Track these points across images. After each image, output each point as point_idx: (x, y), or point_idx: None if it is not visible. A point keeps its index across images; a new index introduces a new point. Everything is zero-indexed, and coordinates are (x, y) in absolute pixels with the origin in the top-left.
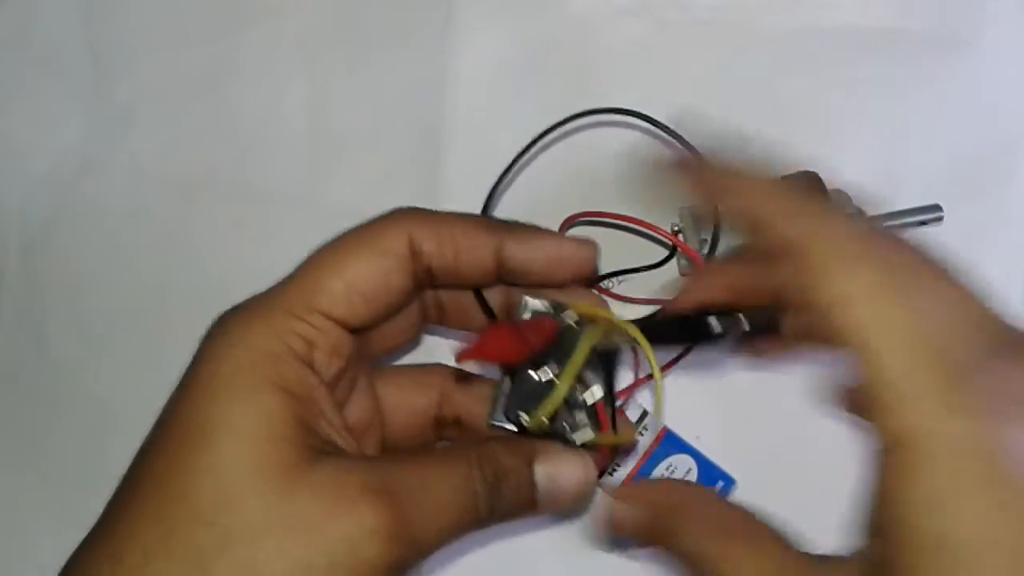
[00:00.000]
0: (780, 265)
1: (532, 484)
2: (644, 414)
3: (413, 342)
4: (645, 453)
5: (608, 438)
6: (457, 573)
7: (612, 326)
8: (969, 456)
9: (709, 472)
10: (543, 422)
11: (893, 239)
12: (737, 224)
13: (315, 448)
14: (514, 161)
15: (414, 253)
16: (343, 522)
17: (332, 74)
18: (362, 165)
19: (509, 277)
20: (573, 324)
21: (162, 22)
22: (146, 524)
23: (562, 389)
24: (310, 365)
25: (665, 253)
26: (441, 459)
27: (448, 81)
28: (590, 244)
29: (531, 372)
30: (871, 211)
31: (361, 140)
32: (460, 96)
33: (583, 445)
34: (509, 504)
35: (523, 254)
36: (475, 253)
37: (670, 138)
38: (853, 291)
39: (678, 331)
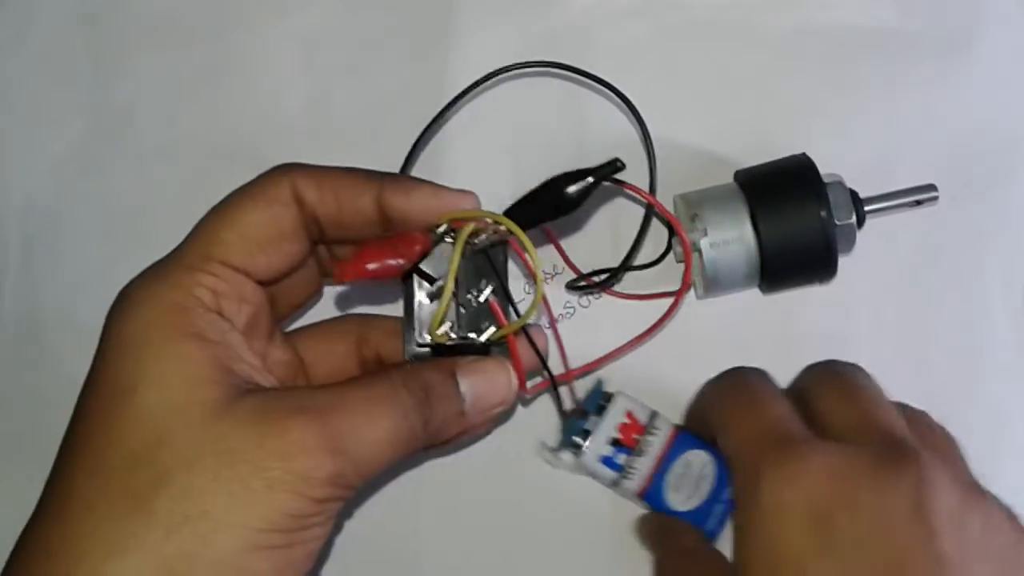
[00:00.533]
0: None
1: (459, 395)
2: (654, 414)
3: (317, 296)
4: (660, 455)
5: (505, 329)
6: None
7: (479, 222)
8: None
9: (725, 470)
10: (448, 334)
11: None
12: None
13: (237, 386)
14: (434, 120)
15: (299, 201)
16: (272, 442)
17: (332, 74)
18: (362, 165)
19: (392, 227)
20: (444, 233)
21: (162, 22)
22: (82, 479)
23: (446, 294)
24: (219, 313)
25: (660, 251)
26: (366, 381)
27: (448, 81)
28: (469, 195)
29: (425, 295)
30: (864, 193)
31: (361, 140)
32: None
33: (491, 341)
34: (440, 417)
35: (401, 202)
36: (356, 201)
37: (605, 90)
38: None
39: (542, 209)
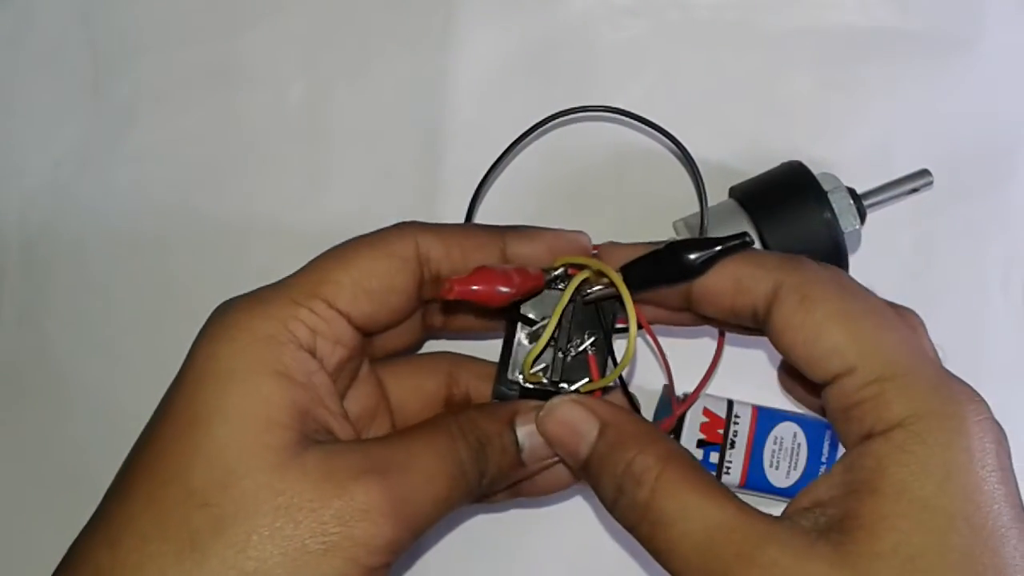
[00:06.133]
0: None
1: (516, 444)
2: (730, 403)
3: (416, 347)
4: (749, 441)
5: (596, 383)
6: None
7: (596, 276)
8: (959, 432)
9: (815, 430)
10: (539, 376)
11: (843, 277)
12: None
13: (308, 436)
14: (495, 163)
15: (422, 260)
16: (335, 504)
17: (332, 74)
18: (362, 165)
19: None
20: (557, 278)
21: (162, 21)
22: (140, 507)
23: (545, 334)
24: (312, 352)
25: None
26: (425, 432)
27: (448, 81)
28: (583, 234)
29: (525, 338)
30: (860, 186)
31: (361, 140)
32: (460, 96)
33: (580, 393)
34: (496, 467)
35: (527, 249)
36: (479, 254)
37: (657, 134)
38: (839, 314)
39: (661, 272)
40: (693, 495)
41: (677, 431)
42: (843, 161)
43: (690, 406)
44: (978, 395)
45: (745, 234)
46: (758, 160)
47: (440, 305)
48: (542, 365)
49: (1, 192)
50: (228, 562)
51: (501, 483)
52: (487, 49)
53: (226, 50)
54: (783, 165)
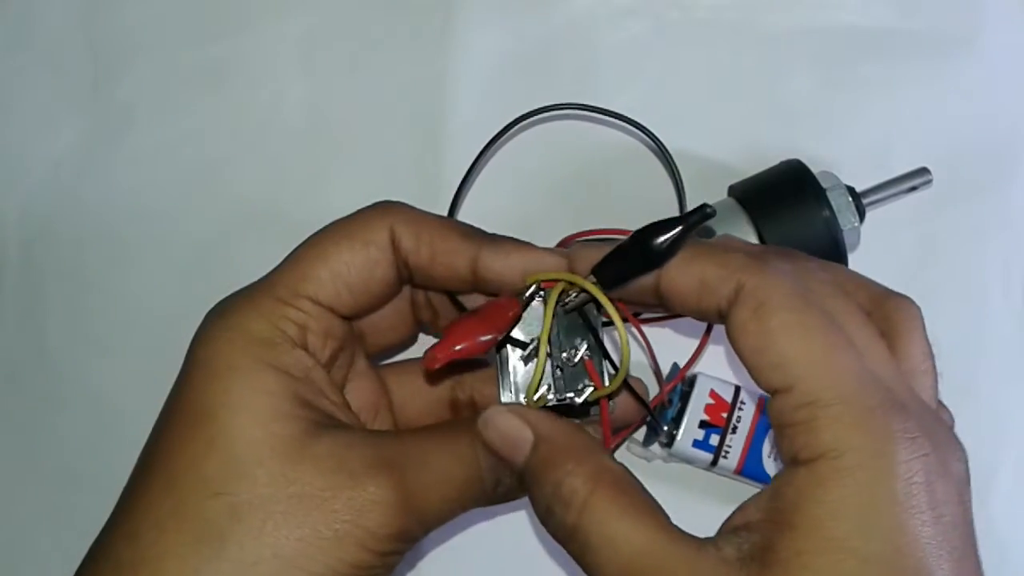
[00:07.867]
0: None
1: None
2: (737, 388)
3: (411, 341)
4: (751, 428)
5: (603, 391)
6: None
7: (569, 285)
8: (884, 472)
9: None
10: (545, 397)
11: (810, 294)
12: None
13: (316, 422)
14: (475, 161)
15: (394, 245)
16: (347, 494)
17: (332, 74)
18: (362, 165)
19: (484, 287)
20: (533, 295)
21: (162, 21)
22: (157, 499)
23: (540, 361)
24: (304, 347)
25: None
26: (445, 433)
27: (448, 81)
28: (559, 253)
29: (518, 360)
30: (860, 186)
31: (361, 140)
32: (460, 96)
33: (589, 402)
34: (512, 479)
35: (499, 266)
36: (449, 258)
37: (635, 129)
38: (790, 327)
39: (633, 264)
40: (620, 521)
41: (680, 412)
42: (843, 160)
43: (673, 387)
44: (921, 429)
45: (705, 205)
46: (758, 160)
47: (424, 374)
48: (545, 387)
49: (1, 192)
50: (246, 548)
51: (515, 496)
52: (487, 49)
53: (226, 50)
54: (782, 163)
